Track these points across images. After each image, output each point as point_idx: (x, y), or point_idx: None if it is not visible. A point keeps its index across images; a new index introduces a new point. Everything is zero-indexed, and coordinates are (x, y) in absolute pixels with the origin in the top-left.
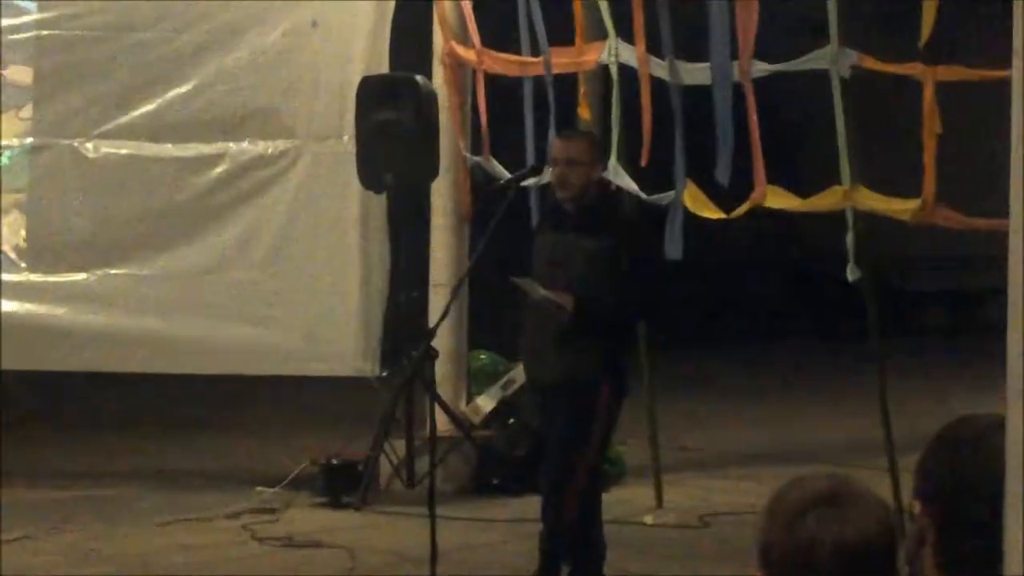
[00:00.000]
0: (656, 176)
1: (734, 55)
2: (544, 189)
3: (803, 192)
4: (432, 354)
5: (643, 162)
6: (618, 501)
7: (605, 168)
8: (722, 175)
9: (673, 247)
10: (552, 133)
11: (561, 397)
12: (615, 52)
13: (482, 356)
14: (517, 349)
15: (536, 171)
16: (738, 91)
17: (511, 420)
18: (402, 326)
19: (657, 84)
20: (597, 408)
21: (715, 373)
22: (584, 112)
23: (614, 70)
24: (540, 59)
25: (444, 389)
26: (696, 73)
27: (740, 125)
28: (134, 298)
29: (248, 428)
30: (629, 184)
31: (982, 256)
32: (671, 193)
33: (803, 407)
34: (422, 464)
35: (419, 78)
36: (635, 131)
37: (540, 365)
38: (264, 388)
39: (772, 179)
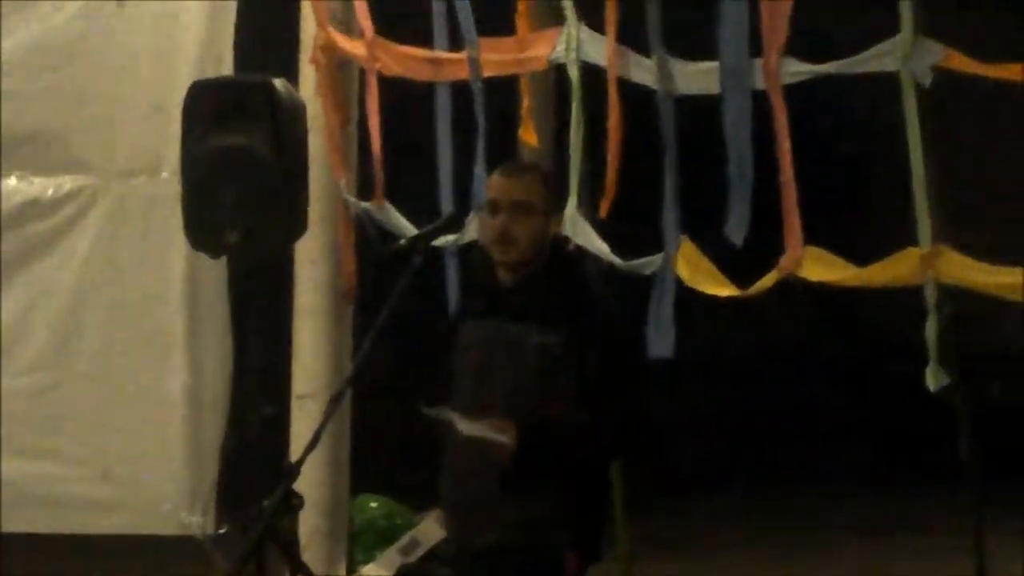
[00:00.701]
0: (633, 231)
1: (755, 50)
2: (467, 252)
3: (859, 257)
4: (295, 502)
5: (602, 212)
6: None
7: (561, 219)
8: (736, 230)
9: (661, 341)
10: (479, 166)
11: (504, 569)
12: (576, 45)
13: (372, 504)
14: (427, 493)
15: (455, 223)
16: (760, 103)
17: None
18: (249, 460)
19: (638, 94)
20: None
21: (725, 528)
22: (528, 135)
23: (574, 72)
24: (463, 55)
25: (313, 554)
26: (697, 77)
27: (763, 155)
28: None
29: None
30: (595, 243)
31: None
32: (657, 258)
33: None
34: None
35: (278, 83)
36: (603, 162)
37: (471, 519)
38: (42, 549)
39: (812, 237)
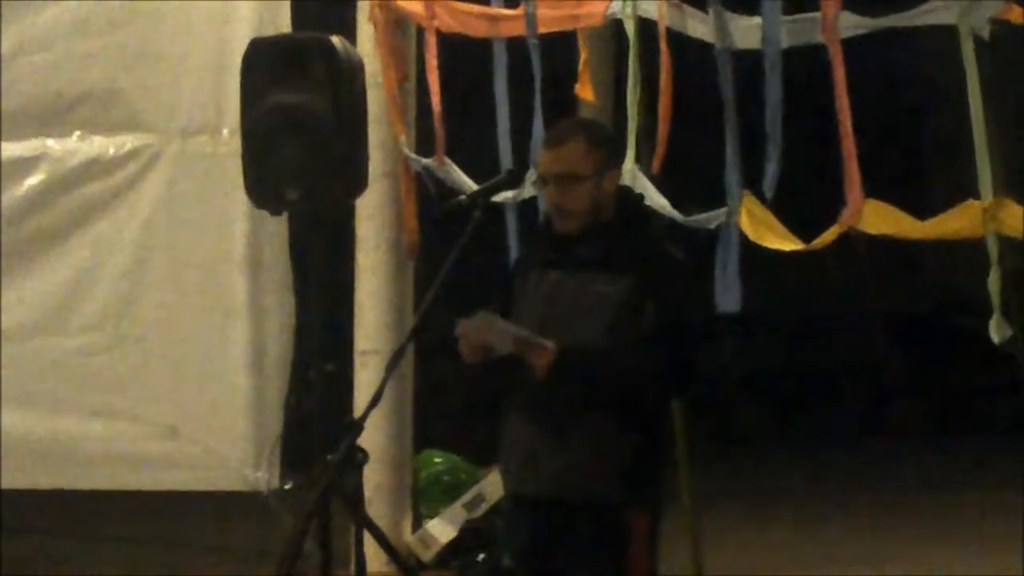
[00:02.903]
0: (694, 186)
1: (813, 5)
2: (528, 206)
3: (921, 211)
4: (359, 458)
5: (655, 167)
6: None
7: (619, 172)
8: (768, 183)
9: (727, 295)
10: (538, 122)
11: (565, 521)
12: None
13: (436, 459)
14: (491, 448)
15: (514, 179)
16: (820, 57)
17: (481, 556)
18: (312, 416)
19: (696, 49)
20: (628, 543)
21: (792, 483)
22: (585, 91)
23: (630, 27)
24: (519, 11)
25: (378, 510)
26: (754, 31)
27: (824, 109)
28: None
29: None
30: (656, 198)
31: None
32: (721, 212)
33: (921, 532)
34: None
35: (336, 40)
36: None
37: (529, 468)
38: (109, 505)
39: (874, 191)
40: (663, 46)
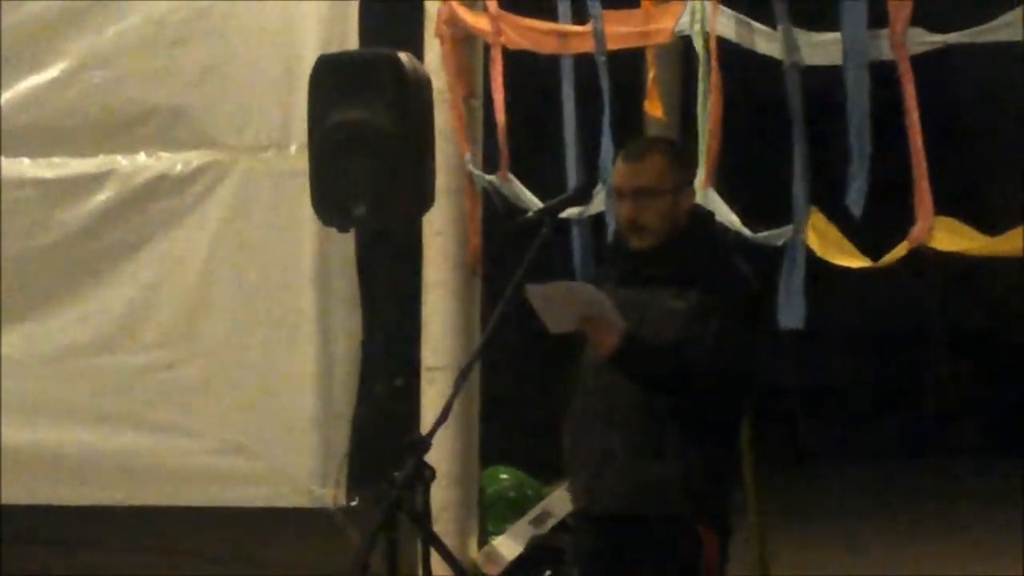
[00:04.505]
0: (760, 202)
1: (882, 20)
2: (594, 223)
3: (990, 227)
4: (426, 474)
5: (704, 183)
6: None
7: (694, 189)
8: (855, 202)
9: (791, 311)
10: (606, 139)
11: (635, 537)
12: (701, 17)
13: (503, 476)
14: (557, 464)
15: (582, 195)
16: (885, 73)
17: (548, 573)
18: (380, 432)
19: (763, 65)
20: (700, 559)
21: (856, 500)
22: (654, 108)
23: (699, 44)
24: (587, 28)
25: (444, 526)
26: (823, 47)
27: (891, 127)
28: None
29: None
30: (725, 214)
31: None
32: (787, 229)
33: (984, 548)
34: None
35: (404, 56)
36: (732, 135)
37: (595, 481)
38: (177, 521)
39: (943, 207)
40: (714, 63)
